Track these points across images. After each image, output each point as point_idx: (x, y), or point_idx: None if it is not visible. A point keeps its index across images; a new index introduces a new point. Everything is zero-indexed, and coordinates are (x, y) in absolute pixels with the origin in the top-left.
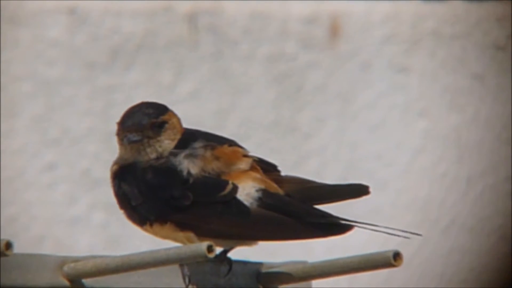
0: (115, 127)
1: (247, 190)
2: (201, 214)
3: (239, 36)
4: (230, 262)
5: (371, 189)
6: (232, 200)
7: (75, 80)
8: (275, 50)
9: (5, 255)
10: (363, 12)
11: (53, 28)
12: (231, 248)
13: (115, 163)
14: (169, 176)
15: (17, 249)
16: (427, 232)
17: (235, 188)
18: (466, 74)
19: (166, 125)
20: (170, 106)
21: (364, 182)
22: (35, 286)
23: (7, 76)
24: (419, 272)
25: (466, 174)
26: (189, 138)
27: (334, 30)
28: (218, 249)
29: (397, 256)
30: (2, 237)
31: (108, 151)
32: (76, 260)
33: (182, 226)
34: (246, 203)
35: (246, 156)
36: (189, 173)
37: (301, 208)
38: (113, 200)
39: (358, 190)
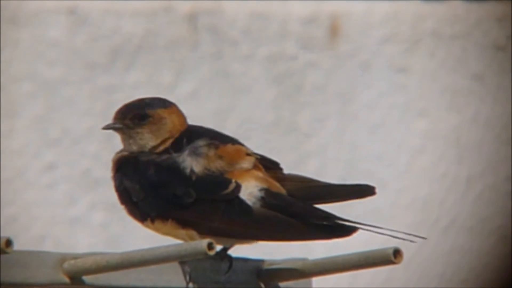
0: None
1: (250, 190)
2: (203, 212)
3: (239, 36)
4: (230, 259)
5: (377, 190)
6: (234, 199)
7: (75, 80)
8: (275, 50)
9: (5, 253)
10: (363, 12)
11: (53, 28)
12: (231, 245)
13: (117, 152)
14: (172, 173)
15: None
16: (427, 232)
17: (238, 187)
18: (466, 74)
19: (150, 119)
20: None
21: (364, 182)
22: (35, 283)
23: (7, 76)
24: (419, 272)
25: (466, 174)
26: (192, 135)
27: (334, 30)
28: (219, 247)
29: (397, 253)
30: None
31: (108, 151)
32: (76, 257)
33: (183, 223)
34: (249, 202)
35: (249, 154)
36: (192, 171)
37: (304, 208)
38: (113, 200)
39: (363, 191)
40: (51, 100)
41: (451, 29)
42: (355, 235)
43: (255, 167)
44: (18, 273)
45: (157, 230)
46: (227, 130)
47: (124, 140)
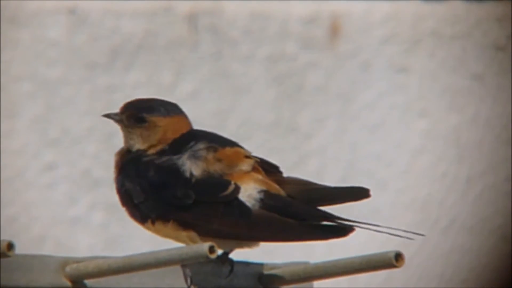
0: (115, 127)
1: (249, 191)
2: (203, 213)
3: (239, 36)
4: (231, 262)
5: (371, 193)
6: (234, 201)
7: (75, 80)
8: (275, 50)
9: (7, 256)
10: (363, 12)
11: (53, 28)
12: (232, 249)
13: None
14: (172, 176)
15: (17, 249)
16: (427, 232)
17: (237, 189)
18: (466, 74)
19: (145, 124)
20: None
21: (364, 182)
22: (37, 287)
23: (7, 76)
24: (419, 272)
25: (466, 174)
26: (192, 138)
27: (334, 30)
28: (220, 250)
29: (398, 256)
30: (2, 238)
31: (108, 151)
32: (78, 261)
33: (184, 225)
34: (248, 204)
35: (248, 157)
36: (191, 174)
37: (302, 209)
38: (113, 200)
39: (358, 193)
40: (51, 100)
41: (451, 29)
42: (354, 235)
43: (254, 169)
44: (20, 277)
45: (157, 232)
46: (227, 130)
47: (122, 133)
